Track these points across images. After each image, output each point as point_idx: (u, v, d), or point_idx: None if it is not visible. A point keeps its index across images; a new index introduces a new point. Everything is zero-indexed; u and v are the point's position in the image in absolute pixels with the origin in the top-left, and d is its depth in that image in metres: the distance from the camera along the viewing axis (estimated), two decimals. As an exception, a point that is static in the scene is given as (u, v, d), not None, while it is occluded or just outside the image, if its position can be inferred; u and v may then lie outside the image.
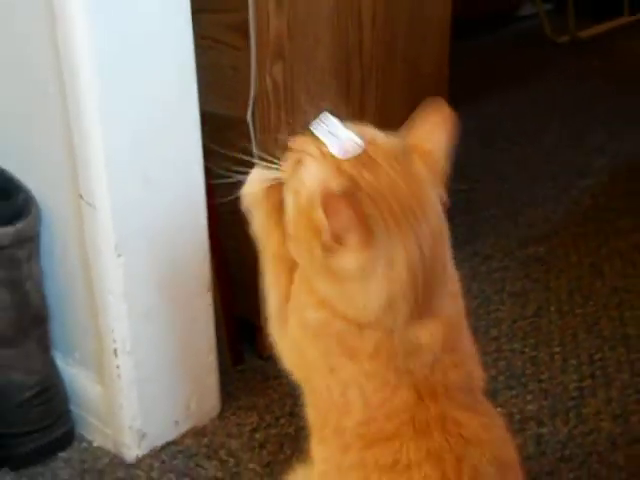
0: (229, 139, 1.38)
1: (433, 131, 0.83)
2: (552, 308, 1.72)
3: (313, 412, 0.88)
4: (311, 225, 0.76)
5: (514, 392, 1.46)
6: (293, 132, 1.38)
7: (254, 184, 0.92)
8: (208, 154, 1.28)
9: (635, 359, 1.54)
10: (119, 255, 1.16)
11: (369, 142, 0.78)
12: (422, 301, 0.78)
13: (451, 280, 0.84)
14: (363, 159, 0.76)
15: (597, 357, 1.55)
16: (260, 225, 0.95)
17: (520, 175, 2.36)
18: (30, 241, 1.21)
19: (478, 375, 0.86)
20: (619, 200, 2.24)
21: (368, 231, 0.72)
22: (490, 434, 0.82)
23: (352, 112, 1.52)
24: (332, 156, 0.76)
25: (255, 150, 1.37)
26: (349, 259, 0.74)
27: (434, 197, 0.79)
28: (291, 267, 0.88)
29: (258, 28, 1.31)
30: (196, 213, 1.26)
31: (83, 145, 1.12)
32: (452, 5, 1.73)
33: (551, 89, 3.24)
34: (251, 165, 0.96)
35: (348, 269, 0.75)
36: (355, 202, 0.72)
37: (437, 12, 1.69)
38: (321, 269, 0.78)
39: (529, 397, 1.44)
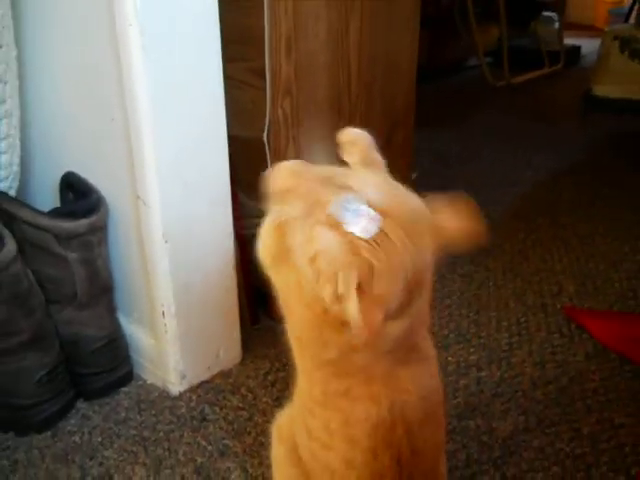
0: (249, 155, 1.38)
1: (458, 216, 0.69)
2: (490, 284, 1.72)
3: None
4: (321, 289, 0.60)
5: (461, 346, 1.45)
6: (298, 151, 1.40)
7: (266, 238, 0.72)
8: (233, 166, 1.28)
9: (551, 322, 1.54)
10: (166, 241, 1.16)
11: (386, 214, 0.60)
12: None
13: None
14: (379, 238, 0.59)
15: (523, 320, 1.55)
16: (282, 286, 0.74)
17: (467, 185, 2.34)
18: (100, 230, 1.21)
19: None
20: (541, 203, 2.24)
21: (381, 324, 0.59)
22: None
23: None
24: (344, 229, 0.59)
25: (269, 163, 1.36)
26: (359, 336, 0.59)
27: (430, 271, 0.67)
28: None
29: (272, 72, 1.30)
30: (223, 208, 1.26)
31: (140, 158, 1.11)
32: (418, 56, 1.72)
33: (491, 120, 3.23)
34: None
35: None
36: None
37: (406, 61, 1.67)
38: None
39: (472, 350, 1.44)
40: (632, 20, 2.94)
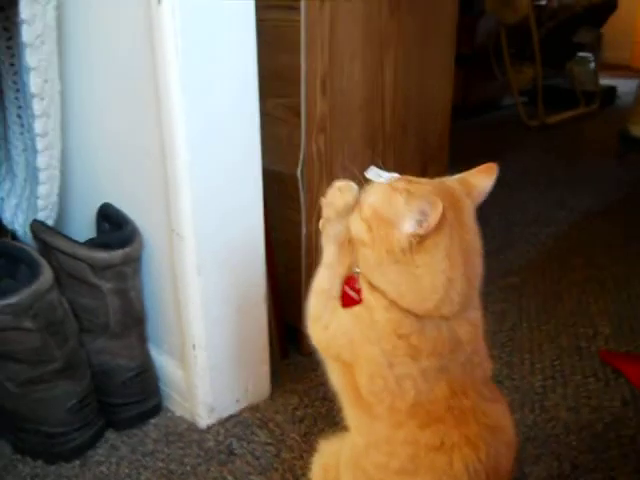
0: (284, 189, 1.39)
1: (481, 174, 0.81)
2: (524, 324, 1.68)
3: (350, 387, 0.81)
4: (388, 225, 0.73)
5: (493, 387, 1.42)
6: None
7: (336, 199, 0.83)
8: (266, 199, 1.28)
9: (586, 365, 1.50)
10: (199, 274, 1.16)
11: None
12: (467, 293, 0.75)
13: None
14: (408, 182, 0.77)
15: (557, 363, 1.52)
16: (331, 236, 0.85)
17: (501, 222, 2.33)
18: (134, 261, 1.22)
19: (489, 367, 0.83)
20: (575, 243, 2.21)
21: (442, 206, 0.70)
22: (506, 420, 0.81)
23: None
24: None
25: (302, 198, 1.37)
26: (428, 235, 0.71)
27: (468, 206, 0.77)
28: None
29: (307, 109, 1.32)
30: (256, 243, 1.26)
31: (175, 193, 1.13)
32: (453, 95, 1.72)
33: (525, 159, 3.21)
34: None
35: (429, 243, 0.71)
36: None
37: (440, 100, 1.68)
38: (400, 258, 0.73)
39: (505, 391, 1.40)
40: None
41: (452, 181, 0.79)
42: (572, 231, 2.31)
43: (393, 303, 0.75)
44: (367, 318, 0.78)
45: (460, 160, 3.08)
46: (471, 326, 0.78)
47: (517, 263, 2.03)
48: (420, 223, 0.70)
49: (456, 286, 0.73)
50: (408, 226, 0.72)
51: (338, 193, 0.82)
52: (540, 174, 2.96)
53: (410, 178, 0.79)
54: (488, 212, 2.41)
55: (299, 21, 1.26)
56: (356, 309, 0.80)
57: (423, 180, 0.79)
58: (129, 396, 1.28)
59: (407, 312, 0.75)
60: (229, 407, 1.31)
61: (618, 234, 2.28)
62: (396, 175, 0.80)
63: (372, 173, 0.81)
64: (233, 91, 1.14)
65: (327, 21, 1.30)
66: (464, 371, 0.77)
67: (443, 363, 0.76)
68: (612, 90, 4.47)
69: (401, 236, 0.72)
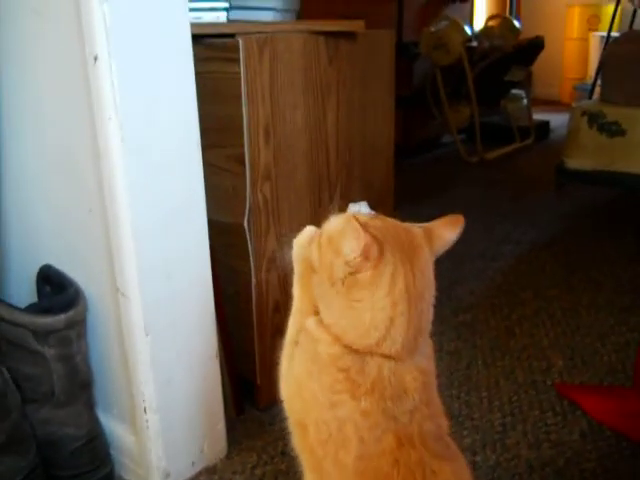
0: (231, 240, 1.37)
1: (446, 225, 0.80)
2: (479, 362, 1.68)
3: (307, 448, 0.78)
4: (334, 252, 0.73)
5: (453, 429, 1.37)
6: (279, 235, 1.39)
7: (303, 236, 0.87)
8: (213, 251, 1.26)
9: (543, 399, 1.51)
10: (147, 334, 1.12)
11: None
12: (412, 336, 0.73)
13: (427, 341, 0.80)
14: (374, 218, 0.78)
15: (514, 399, 1.52)
16: (297, 272, 0.88)
17: (449, 260, 2.34)
18: (79, 324, 1.17)
19: (444, 423, 0.80)
20: (523, 277, 2.24)
21: (381, 247, 0.71)
22: (458, 478, 0.76)
23: (322, 219, 1.52)
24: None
25: (250, 248, 1.35)
26: (367, 269, 0.71)
27: (425, 254, 0.76)
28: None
29: (251, 158, 1.31)
30: (205, 298, 1.23)
31: (118, 251, 1.09)
32: (394, 135, 1.74)
33: (467, 195, 3.28)
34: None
35: (365, 279, 0.71)
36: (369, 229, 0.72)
37: (383, 142, 1.70)
38: (340, 289, 0.73)
39: (465, 432, 1.40)
40: (596, 96, 3.04)
41: (416, 228, 0.79)
42: (519, 265, 2.35)
43: (337, 339, 0.75)
44: (312, 351, 0.77)
45: (405, 199, 3.13)
46: (420, 374, 0.75)
47: (467, 300, 2.04)
48: (352, 256, 0.71)
49: (398, 326, 0.72)
50: (344, 256, 0.72)
51: (307, 231, 0.86)
52: (484, 209, 3.01)
53: (381, 216, 0.80)
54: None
55: (239, 73, 1.25)
56: (304, 345, 0.79)
57: (389, 220, 0.79)
58: (79, 466, 1.21)
59: (350, 349, 0.74)
60: (185, 471, 1.25)
61: (563, 265, 2.33)
62: (372, 213, 0.83)
63: (352, 207, 0.86)
64: (175, 144, 1.12)
65: (267, 71, 1.30)
66: (412, 421, 0.74)
67: (387, 407, 0.72)
68: (546, 125, 4.63)
69: (340, 265, 0.73)
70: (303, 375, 0.78)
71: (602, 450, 1.33)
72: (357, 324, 0.73)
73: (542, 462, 1.30)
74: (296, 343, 0.83)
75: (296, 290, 0.87)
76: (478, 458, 1.31)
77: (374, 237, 0.71)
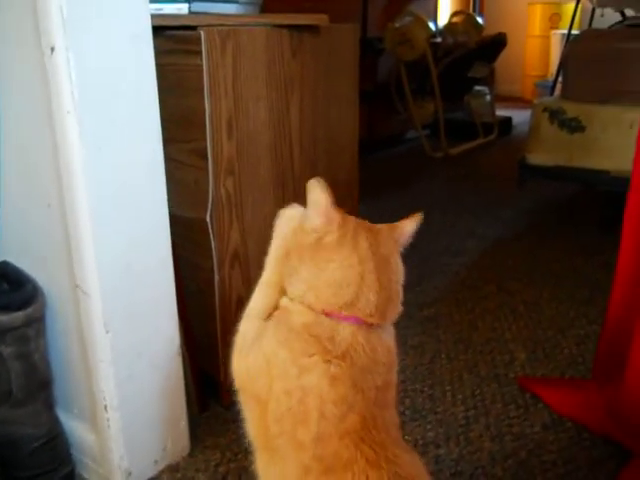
0: (193, 235, 1.35)
1: (406, 220, 0.84)
2: (443, 356, 1.70)
3: (262, 428, 0.77)
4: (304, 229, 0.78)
5: (417, 423, 1.41)
6: (242, 230, 1.38)
7: (291, 210, 0.90)
8: (175, 247, 1.24)
9: (505, 392, 1.53)
10: (107, 331, 1.10)
11: None
12: (384, 299, 0.75)
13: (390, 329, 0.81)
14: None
15: (477, 392, 1.53)
16: (275, 245, 0.90)
17: (414, 254, 2.35)
18: (37, 322, 1.14)
19: (397, 422, 0.79)
20: (486, 271, 2.26)
21: (342, 214, 0.78)
22: (417, 469, 0.75)
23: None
24: None
25: (213, 243, 1.33)
26: (332, 232, 0.76)
27: (386, 236, 0.81)
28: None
29: (214, 152, 1.29)
30: (167, 294, 1.21)
31: (77, 245, 1.07)
32: (359, 130, 1.74)
33: (431, 190, 3.30)
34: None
35: (331, 241, 0.76)
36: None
37: (347, 137, 1.69)
38: (309, 255, 0.76)
39: (429, 426, 1.40)
40: (558, 92, 3.08)
41: (381, 225, 0.83)
42: (483, 259, 2.37)
43: (310, 308, 0.76)
44: (286, 323, 0.78)
45: (370, 194, 3.13)
46: (388, 352, 0.77)
47: (432, 295, 2.06)
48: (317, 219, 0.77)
49: (369, 284, 0.75)
50: (311, 220, 0.77)
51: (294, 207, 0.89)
52: (448, 204, 3.04)
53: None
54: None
55: (201, 65, 1.23)
56: (277, 319, 0.80)
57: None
58: (38, 467, 1.19)
59: (324, 316, 0.75)
60: (147, 469, 1.23)
61: (525, 259, 2.36)
62: None
63: None
64: (135, 138, 1.10)
65: (229, 64, 1.29)
66: (375, 402, 0.73)
67: (356, 377, 0.72)
68: (508, 120, 4.69)
69: (309, 234, 0.77)
70: (274, 347, 0.77)
71: (563, 442, 1.35)
72: (331, 283, 0.75)
73: (505, 454, 1.31)
74: (266, 317, 0.83)
75: (270, 262, 0.88)
76: (441, 451, 1.32)
77: (335, 206, 0.77)
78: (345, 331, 0.74)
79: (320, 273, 0.76)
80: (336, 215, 0.77)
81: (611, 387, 1.38)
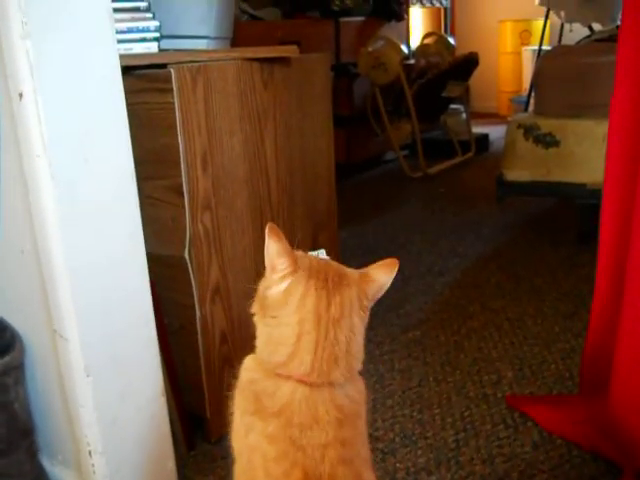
0: (173, 273, 1.34)
1: (382, 268, 0.79)
2: (430, 379, 1.69)
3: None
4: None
5: (408, 449, 1.40)
6: (222, 265, 1.37)
7: None
8: (155, 285, 1.23)
9: (494, 413, 1.52)
10: (88, 375, 1.08)
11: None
12: (324, 360, 0.72)
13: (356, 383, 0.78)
14: (310, 257, 0.80)
15: (466, 414, 1.52)
16: None
17: (397, 276, 2.35)
18: (16, 369, 1.12)
19: (368, 478, 0.76)
20: (470, 290, 2.26)
21: (295, 260, 0.74)
22: None
23: (266, 244, 1.51)
24: None
25: (193, 280, 1.32)
26: (278, 282, 0.74)
27: (351, 294, 0.76)
28: None
29: (190, 189, 1.29)
30: (148, 335, 1.19)
31: (53, 290, 1.05)
32: (335, 155, 1.74)
33: (411, 210, 3.31)
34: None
35: (277, 295, 0.73)
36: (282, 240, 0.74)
37: (324, 165, 1.70)
38: (261, 312, 0.76)
39: (419, 452, 1.39)
40: (532, 107, 3.12)
41: (353, 272, 0.79)
42: (465, 278, 2.38)
43: (259, 363, 0.76)
44: (239, 380, 0.78)
45: (350, 218, 3.14)
46: (335, 409, 0.73)
47: (417, 316, 2.05)
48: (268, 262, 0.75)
49: (305, 345, 0.72)
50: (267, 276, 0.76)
51: None
52: (429, 224, 3.05)
53: (327, 260, 0.83)
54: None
55: (172, 103, 1.24)
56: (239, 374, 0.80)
57: (330, 262, 0.81)
58: (22, 518, 1.16)
59: (269, 374, 0.74)
60: (135, 513, 1.21)
61: (508, 276, 2.36)
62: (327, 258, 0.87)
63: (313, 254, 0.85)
64: (109, 178, 1.09)
65: (201, 100, 1.29)
66: (324, 460, 0.71)
67: (294, 435, 0.70)
68: (485, 137, 4.73)
69: (262, 286, 0.76)
70: (234, 406, 0.78)
71: (554, 460, 1.34)
72: (268, 341, 0.75)
73: (496, 477, 1.30)
74: None
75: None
76: (433, 478, 1.31)
77: (289, 252, 0.74)
78: (284, 389, 0.73)
79: (264, 329, 0.75)
80: (286, 265, 0.74)
81: (597, 402, 1.37)
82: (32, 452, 1.18)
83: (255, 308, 0.78)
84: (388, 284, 0.79)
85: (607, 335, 1.34)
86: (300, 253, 0.79)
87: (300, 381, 0.73)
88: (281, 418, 0.71)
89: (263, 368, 0.75)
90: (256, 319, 0.78)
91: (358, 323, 0.76)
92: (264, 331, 0.75)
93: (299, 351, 0.72)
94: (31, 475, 1.17)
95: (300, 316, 0.73)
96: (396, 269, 0.79)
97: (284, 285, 0.74)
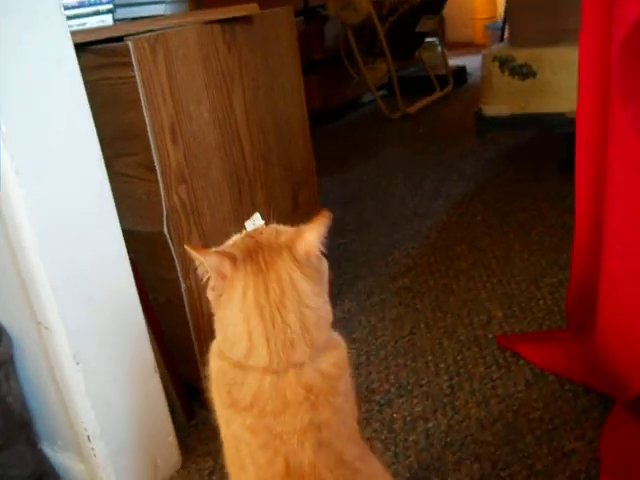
0: (153, 249, 1.33)
1: (315, 225, 0.73)
2: (422, 325, 1.70)
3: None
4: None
5: (404, 398, 1.42)
6: (203, 237, 1.35)
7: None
8: (136, 262, 1.22)
9: (486, 354, 1.54)
10: (77, 363, 1.08)
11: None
12: (279, 348, 0.70)
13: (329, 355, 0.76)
14: (243, 236, 0.78)
15: (459, 358, 1.54)
16: None
17: (383, 223, 2.36)
18: (5, 364, 1.12)
19: (352, 452, 0.74)
20: (456, 231, 2.26)
21: (234, 259, 0.71)
22: None
23: (246, 210, 1.49)
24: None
25: (174, 254, 1.31)
26: (225, 288, 0.71)
27: (287, 262, 0.72)
28: None
29: (161, 162, 1.26)
30: (133, 314, 1.19)
31: (31, 282, 1.04)
32: (311, 102, 1.71)
33: (392, 153, 3.28)
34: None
35: (225, 298, 0.71)
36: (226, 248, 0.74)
37: (297, 122, 1.67)
38: (216, 309, 0.74)
39: (415, 400, 1.41)
40: (507, 36, 3.06)
41: (283, 230, 0.77)
42: (451, 219, 2.37)
43: (223, 353, 0.74)
44: (210, 365, 0.77)
45: (332, 166, 3.11)
46: (303, 389, 0.71)
47: (405, 263, 2.05)
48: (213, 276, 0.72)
49: (257, 340, 0.70)
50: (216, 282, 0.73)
51: None
52: (411, 166, 3.02)
53: (263, 228, 0.80)
54: (369, 215, 2.46)
55: (133, 76, 1.20)
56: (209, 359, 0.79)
57: (265, 229, 0.79)
58: (30, 504, 1.18)
59: (233, 362, 0.73)
60: (140, 490, 1.23)
61: (493, 213, 2.36)
62: (262, 223, 0.84)
63: (248, 224, 0.84)
64: (74, 161, 1.06)
65: (163, 70, 1.25)
66: (303, 446, 0.70)
67: (269, 424, 0.70)
68: (462, 70, 4.65)
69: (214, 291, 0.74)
70: (212, 396, 0.77)
71: (547, 397, 1.36)
72: (225, 339, 0.73)
73: (492, 419, 1.33)
74: None
75: None
76: (430, 424, 1.33)
77: (226, 253, 0.72)
78: (250, 378, 0.72)
79: (221, 328, 0.74)
80: (226, 269, 0.71)
81: (585, 337, 1.39)
82: (32, 442, 1.19)
83: (210, 296, 0.76)
84: (318, 238, 0.73)
85: (590, 271, 1.34)
86: (234, 239, 0.77)
87: (264, 370, 0.71)
88: (254, 410, 0.70)
89: (227, 357, 0.74)
90: (212, 310, 0.76)
91: (306, 287, 0.72)
92: (220, 327, 0.74)
93: (253, 346, 0.70)
94: (33, 464, 1.18)
95: (244, 313, 0.71)
96: (327, 220, 0.73)
97: (229, 286, 0.71)
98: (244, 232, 0.80)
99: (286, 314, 0.71)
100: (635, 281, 1.15)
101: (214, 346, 0.77)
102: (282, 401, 0.71)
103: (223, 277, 0.71)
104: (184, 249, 1.32)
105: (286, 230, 0.77)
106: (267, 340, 0.70)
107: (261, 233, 0.77)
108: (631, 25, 1.02)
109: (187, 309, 1.35)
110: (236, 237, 0.79)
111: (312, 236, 0.73)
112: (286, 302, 0.71)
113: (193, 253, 0.72)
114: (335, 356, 0.75)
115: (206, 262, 0.71)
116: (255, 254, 0.73)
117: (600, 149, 1.27)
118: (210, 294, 0.75)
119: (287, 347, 0.71)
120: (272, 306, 0.70)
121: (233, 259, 0.71)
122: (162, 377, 1.26)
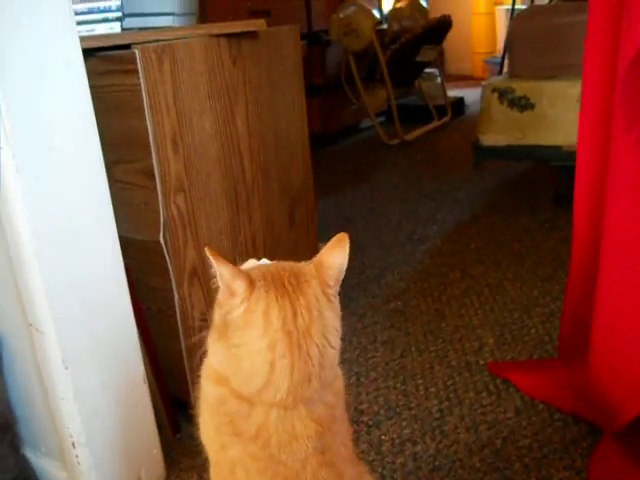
0: (148, 257, 1.32)
1: (333, 250, 0.70)
2: (413, 349, 1.69)
3: None
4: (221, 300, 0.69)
5: (393, 421, 1.41)
6: (198, 248, 1.35)
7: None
8: (131, 270, 1.21)
9: (477, 380, 1.53)
10: (66, 367, 1.06)
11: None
12: (300, 381, 0.66)
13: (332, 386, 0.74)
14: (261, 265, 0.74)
15: (449, 383, 1.53)
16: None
17: (377, 247, 2.36)
18: (-8, 365, 1.11)
19: (350, 472, 0.74)
20: (449, 257, 2.26)
21: (250, 279, 0.67)
22: None
23: (242, 223, 1.49)
24: None
25: (169, 263, 1.31)
26: (237, 307, 0.66)
27: (313, 289, 0.69)
28: None
29: (161, 171, 1.26)
30: (125, 322, 1.18)
31: (25, 283, 1.03)
32: (310, 125, 1.71)
33: (389, 178, 3.29)
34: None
35: (238, 319, 0.66)
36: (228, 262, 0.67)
37: (298, 139, 1.67)
38: (222, 332, 0.68)
39: (404, 423, 1.40)
40: (507, 69, 3.10)
41: (306, 265, 0.72)
42: (445, 244, 2.38)
43: (223, 381, 0.70)
44: (204, 389, 0.73)
45: (329, 189, 3.12)
46: (313, 422, 0.70)
47: (398, 286, 2.05)
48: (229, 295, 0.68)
49: (280, 371, 0.66)
50: (223, 297, 0.68)
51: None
52: (408, 191, 3.03)
53: (275, 262, 0.75)
54: (364, 237, 2.46)
55: (138, 84, 1.20)
56: (202, 382, 0.74)
57: (280, 263, 0.74)
58: (9, 510, 1.15)
59: (237, 393, 0.69)
60: (123, 501, 1.21)
61: (487, 241, 2.37)
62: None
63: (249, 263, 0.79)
64: (76, 165, 1.06)
65: (168, 80, 1.25)
66: (305, 469, 0.69)
67: (273, 454, 0.68)
68: (461, 101, 4.70)
69: (217, 312, 0.69)
70: (203, 411, 0.74)
71: (536, 425, 1.36)
72: (238, 372, 0.68)
73: (480, 444, 1.32)
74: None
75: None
76: (418, 448, 1.32)
77: (241, 272, 0.67)
78: (258, 411, 0.69)
79: (230, 359, 0.68)
80: (245, 285, 0.67)
81: (577, 366, 1.39)
82: (15, 446, 1.17)
83: (214, 336, 0.71)
84: (345, 262, 0.71)
85: (584, 300, 1.34)
86: (249, 264, 0.74)
87: (273, 404, 0.68)
88: (258, 441, 0.68)
89: (229, 387, 0.70)
90: (216, 345, 0.71)
91: (330, 316, 0.69)
92: (231, 360, 0.68)
93: (273, 379, 0.66)
94: (15, 469, 1.16)
95: (269, 338, 0.65)
96: (347, 244, 0.71)
97: (244, 306, 0.66)
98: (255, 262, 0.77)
99: (310, 344, 0.67)
100: (632, 309, 1.15)
101: (208, 369, 0.73)
102: (290, 434, 0.68)
103: (232, 294, 0.67)
104: (179, 259, 1.31)
105: (306, 263, 0.73)
106: (291, 372, 0.66)
107: (281, 265, 0.73)
108: (639, 49, 1.03)
109: (178, 320, 1.33)
110: (250, 262, 0.77)
111: (340, 261, 0.70)
112: (312, 331, 0.67)
113: (210, 258, 0.67)
114: (336, 386, 0.74)
115: (218, 271, 0.66)
116: (279, 277, 0.69)
117: (599, 182, 1.28)
118: (216, 312, 0.70)
119: (305, 383, 0.67)
120: (299, 333, 0.66)
121: (248, 279, 0.67)
122: (150, 388, 1.24)
